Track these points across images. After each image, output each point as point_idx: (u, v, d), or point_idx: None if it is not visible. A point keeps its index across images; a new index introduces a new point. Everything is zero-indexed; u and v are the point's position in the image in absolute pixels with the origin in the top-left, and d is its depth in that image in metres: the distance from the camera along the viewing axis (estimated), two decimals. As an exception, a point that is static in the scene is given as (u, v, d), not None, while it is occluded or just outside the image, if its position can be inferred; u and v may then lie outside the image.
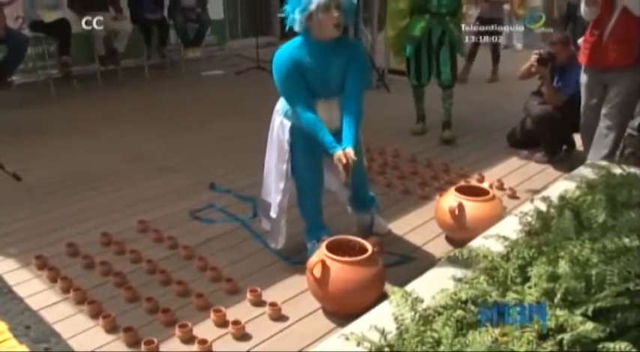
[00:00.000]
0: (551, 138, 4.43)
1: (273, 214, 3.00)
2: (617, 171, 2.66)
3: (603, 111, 3.81)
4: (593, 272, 1.67)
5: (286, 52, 2.68)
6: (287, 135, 2.84)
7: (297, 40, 2.69)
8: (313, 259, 2.58)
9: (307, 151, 2.85)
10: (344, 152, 2.62)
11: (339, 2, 2.54)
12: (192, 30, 7.70)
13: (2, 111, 5.86)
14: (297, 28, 2.62)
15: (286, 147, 2.86)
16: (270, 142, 2.99)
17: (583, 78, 3.89)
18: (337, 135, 2.70)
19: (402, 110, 5.33)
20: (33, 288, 2.84)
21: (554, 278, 1.68)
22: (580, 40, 4.09)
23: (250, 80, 7.20)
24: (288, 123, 2.83)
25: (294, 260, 3.04)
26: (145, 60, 7.58)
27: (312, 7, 2.52)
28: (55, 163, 4.48)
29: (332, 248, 2.58)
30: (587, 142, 3.97)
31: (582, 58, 3.85)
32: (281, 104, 2.89)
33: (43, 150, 4.78)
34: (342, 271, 2.49)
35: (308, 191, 3.01)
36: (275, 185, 2.97)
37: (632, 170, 2.70)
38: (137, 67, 7.55)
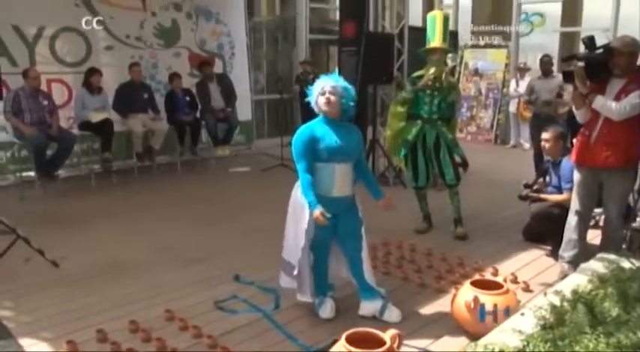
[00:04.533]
0: (553, 233, 4.25)
1: (295, 271, 3.26)
2: (627, 265, 2.62)
3: (606, 208, 3.80)
4: (610, 367, 1.62)
5: (307, 126, 3.24)
6: (303, 200, 3.15)
7: (317, 119, 3.25)
8: (334, 351, 2.52)
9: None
10: (386, 196, 3.37)
11: (330, 89, 3.13)
12: (222, 130, 7.95)
13: (47, 202, 6.03)
14: (315, 109, 3.23)
15: (302, 209, 3.17)
16: (289, 209, 3.32)
17: (577, 176, 3.85)
18: (346, 200, 3.25)
19: (417, 206, 5.33)
20: (62, 373, 2.80)
21: (571, 373, 1.63)
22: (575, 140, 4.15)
23: (275, 177, 7.31)
24: None
25: (315, 349, 2.98)
26: (178, 157, 7.79)
27: (315, 92, 3.19)
28: (91, 252, 4.53)
29: (352, 340, 2.52)
30: (583, 234, 3.93)
31: (573, 157, 3.85)
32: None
33: (81, 239, 4.84)
34: (361, 363, 2.42)
35: (317, 248, 3.29)
36: (295, 244, 3.24)
37: (641, 264, 2.66)
38: (171, 164, 7.77)
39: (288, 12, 10.61)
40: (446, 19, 4.91)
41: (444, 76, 4.77)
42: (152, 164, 7.49)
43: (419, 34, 6.69)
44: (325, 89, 3.13)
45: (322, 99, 3.14)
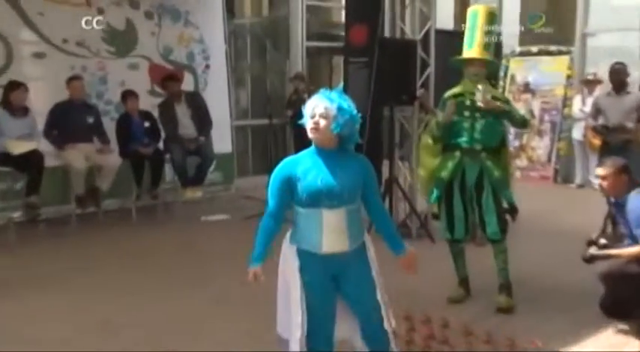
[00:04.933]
0: (636, 301, 4.12)
1: (292, 349, 3.20)
2: None
3: None
4: None
5: (290, 159, 3.26)
6: (296, 260, 3.17)
7: (308, 150, 3.24)
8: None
9: (317, 276, 3.16)
10: (409, 252, 3.32)
11: (322, 111, 3.05)
12: (193, 165, 7.91)
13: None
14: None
15: (296, 271, 3.17)
16: (280, 271, 3.31)
17: None
18: (343, 257, 3.17)
19: (450, 266, 5.19)
20: None
21: None
22: None
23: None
24: (294, 247, 3.21)
25: None
26: (133, 201, 7.76)
27: (307, 115, 3.14)
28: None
29: None
30: None
31: None
32: (290, 231, 3.28)
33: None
34: None
35: (318, 322, 3.19)
36: (292, 318, 3.20)
37: None
38: (123, 210, 7.74)
39: (280, 12, 10.88)
40: (492, 15, 4.81)
41: (482, 92, 4.63)
42: (97, 211, 7.43)
43: (450, 39, 6.75)
44: (316, 111, 3.09)
45: (310, 124, 3.11)
